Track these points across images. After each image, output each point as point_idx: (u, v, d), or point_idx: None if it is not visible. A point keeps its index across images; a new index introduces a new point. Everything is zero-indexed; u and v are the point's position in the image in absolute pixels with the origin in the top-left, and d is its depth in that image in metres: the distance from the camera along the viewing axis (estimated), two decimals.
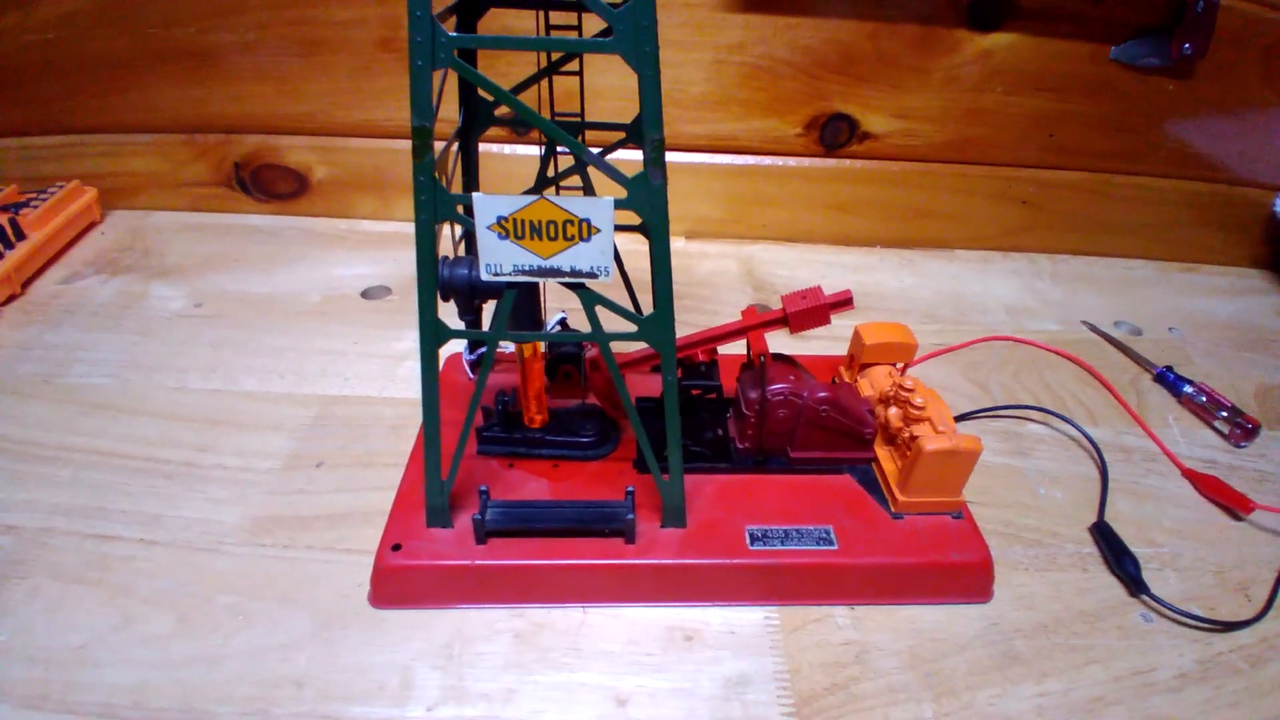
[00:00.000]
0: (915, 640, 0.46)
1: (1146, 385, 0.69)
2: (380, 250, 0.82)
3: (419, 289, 0.37)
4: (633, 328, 0.40)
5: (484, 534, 0.45)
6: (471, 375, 0.57)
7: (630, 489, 0.46)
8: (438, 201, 0.34)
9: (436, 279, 0.36)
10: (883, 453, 0.52)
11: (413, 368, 0.66)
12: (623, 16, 0.31)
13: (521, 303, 0.38)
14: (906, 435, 0.49)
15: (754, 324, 0.49)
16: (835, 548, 0.47)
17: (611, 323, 0.40)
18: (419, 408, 0.59)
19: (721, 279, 0.81)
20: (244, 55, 0.78)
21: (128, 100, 0.82)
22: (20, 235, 0.75)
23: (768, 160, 0.83)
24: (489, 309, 0.43)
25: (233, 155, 0.84)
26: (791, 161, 0.83)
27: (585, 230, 0.35)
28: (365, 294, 0.75)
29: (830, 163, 0.83)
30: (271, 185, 0.86)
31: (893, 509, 0.50)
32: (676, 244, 0.86)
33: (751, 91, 0.79)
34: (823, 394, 0.49)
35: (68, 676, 0.42)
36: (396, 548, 0.46)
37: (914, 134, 0.81)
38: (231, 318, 0.71)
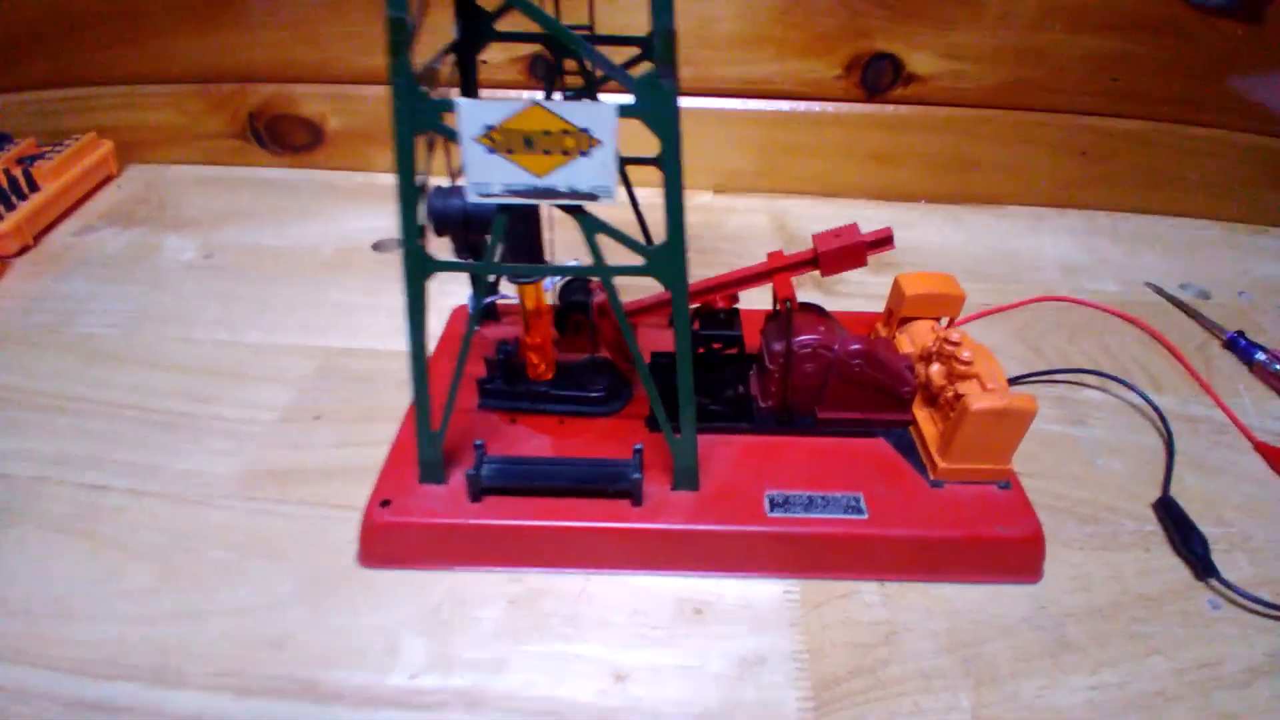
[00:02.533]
0: (953, 622, 0.44)
1: (1215, 351, 0.65)
2: (394, 203, 0.81)
3: (401, 215, 0.34)
4: (640, 260, 0.37)
5: (479, 491, 0.43)
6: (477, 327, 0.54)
7: (638, 446, 0.43)
8: (418, 109, 0.30)
9: (415, 201, 0.32)
10: (922, 414, 0.49)
11: None
12: None
13: (518, 232, 0.35)
14: (950, 394, 0.45)
15: (780, 266, 0.45)
16: (865, 517, 0.45)
17: (619, 257, 0.37)
18: None
19: (751, 234, 0.77)
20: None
21: (143, 50, 0.82)
22: (34, 187, 0.76)
23: (803, 106, 0.80)
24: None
25: (247, 105, 0.84)
26: (830, 107, 0.80)
27: (585, 142, 0.31)
28: (376, 246, 0.74)
29: (872, 108, 0.80)
30: (287, 137, 0.86)
31: (931, 476, 0.47)
32: (703, 199, 0.82)
33: (786, 29, 0.75)
34: (856, 346, 0.46)
35: (44, 630, 0.42)
36: (385, 503, 0.44)
37: (964, 76, 0.77)
38: (242, 270, 0.71)
